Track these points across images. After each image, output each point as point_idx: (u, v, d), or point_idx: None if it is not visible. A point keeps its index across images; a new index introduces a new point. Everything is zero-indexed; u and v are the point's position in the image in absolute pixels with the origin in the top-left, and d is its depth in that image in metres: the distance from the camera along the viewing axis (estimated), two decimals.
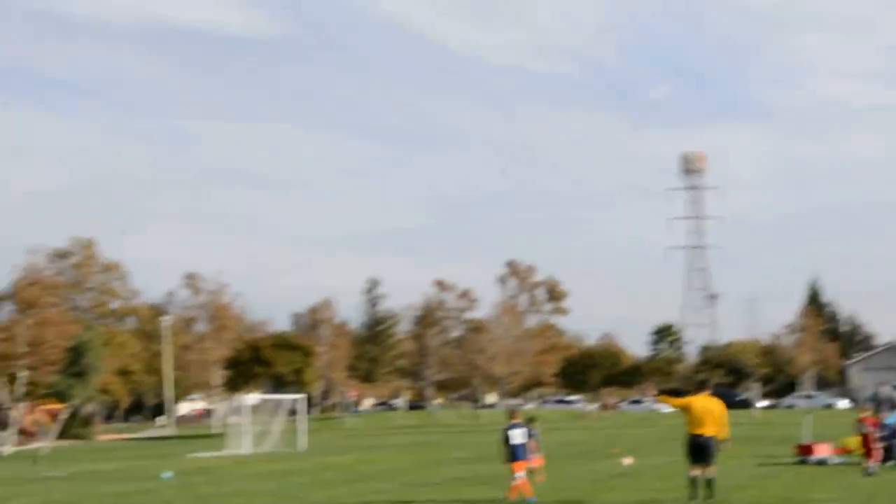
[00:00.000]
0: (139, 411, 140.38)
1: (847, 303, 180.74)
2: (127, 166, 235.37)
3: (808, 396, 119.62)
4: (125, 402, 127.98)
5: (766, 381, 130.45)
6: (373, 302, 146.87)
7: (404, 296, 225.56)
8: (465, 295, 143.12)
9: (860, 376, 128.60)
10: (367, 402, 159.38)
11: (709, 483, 23.82)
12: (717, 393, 25.89)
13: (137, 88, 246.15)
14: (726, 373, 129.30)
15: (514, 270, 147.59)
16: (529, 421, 33.03)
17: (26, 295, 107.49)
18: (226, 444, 62.91)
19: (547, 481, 31.52)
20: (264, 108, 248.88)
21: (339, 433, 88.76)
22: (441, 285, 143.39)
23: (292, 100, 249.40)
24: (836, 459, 37.32)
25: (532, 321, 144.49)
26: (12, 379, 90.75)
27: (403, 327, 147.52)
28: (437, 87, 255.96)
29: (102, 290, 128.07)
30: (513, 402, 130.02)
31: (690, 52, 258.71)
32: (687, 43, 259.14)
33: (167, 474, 41.17)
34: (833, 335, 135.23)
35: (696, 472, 23.99)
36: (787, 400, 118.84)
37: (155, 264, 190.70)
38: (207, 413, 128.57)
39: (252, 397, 69.07)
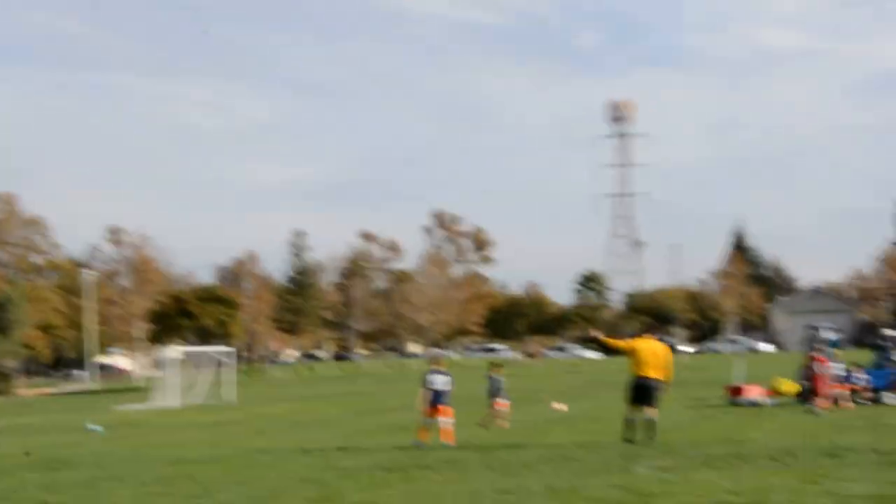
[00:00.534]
0: (61, 366, 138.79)
1: (770, 248, 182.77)
2: (48, 121, 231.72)
3: (732, 341, 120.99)
4: (47, 356, 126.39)
5: (690, 326, 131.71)
6: (298, 254, 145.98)
7: (330, 248, 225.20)
8: (390, 246, 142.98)
9: (783, 320, 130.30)
10: (291, 354, 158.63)
11: (650, 425, 23.75)
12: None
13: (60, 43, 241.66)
14: (652, 319, 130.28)
15: (440, 220, 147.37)
16: (495, 367, 33.03)
17: None
18: (151, 398, 62.20)
19: (485, 427, 31.42)
20: (187, 60, 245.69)
21: (265, 385, 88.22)
22: (366, 236, 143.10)
23: (214, 53, 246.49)
24: (767, 401, 37.68)
25: (458, 271, 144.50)
26: None
27: (328, 278, 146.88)
28: (361, 36, 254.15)
29: (24, 245, 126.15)
30: (437, 350, 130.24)
31: None
32: None
33: (94, 427, 40.54)
34: (756, 280, 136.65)
35: (635, 413, 23.92)
36: (711, 344, 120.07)
37: (78, 219, 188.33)
38: (131, 367, 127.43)
39: (177, 350, 68.29)
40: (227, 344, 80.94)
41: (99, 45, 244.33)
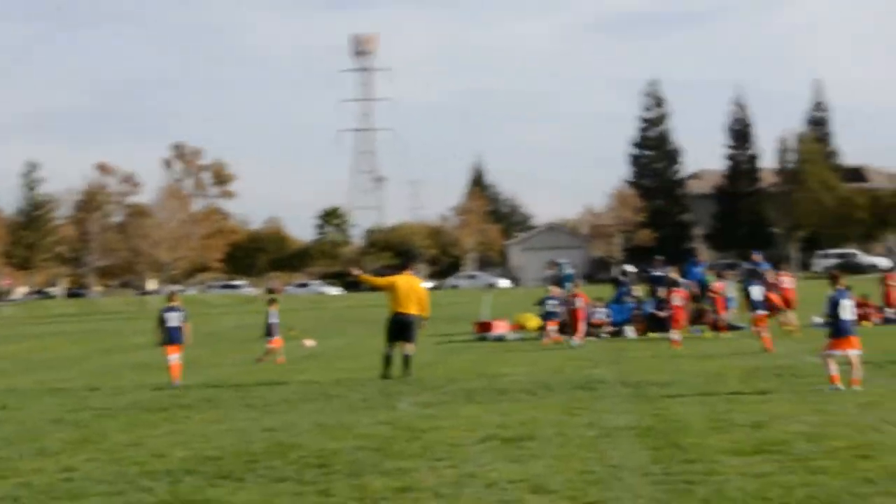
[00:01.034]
0: None
1: (507, 185, 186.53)
2: None
3: (472, 276, 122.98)
4: None
5: (431, 262, 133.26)
6: (30, 186, 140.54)
7: (65, 180, 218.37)
8: (128, 179, 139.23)
9: (519, 256, 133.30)
10: (21, 291, 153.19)
11: (406, 360, 24.01)
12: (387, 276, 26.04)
13: None
14: (394, 255, 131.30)
15: (180, 154, 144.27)
16: (270, 302, 32.60)
17: None
18: None
19: (236, 364, 31.14)
20: None
21: None
22: (103, 169, 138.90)
23: None
24: (513, 336, 38.49)
25: (198, 205, 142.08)
26: None
27: (63, 212, 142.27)
28: None
29: None
30: (175, 286, 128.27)
31: None
32: None
33: None
34: (495, 217, 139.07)
35: (393, 349, 24.13)
36: (451, 280, 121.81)
37: None
38: None
39: None
40: None
41: None
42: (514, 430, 14.85)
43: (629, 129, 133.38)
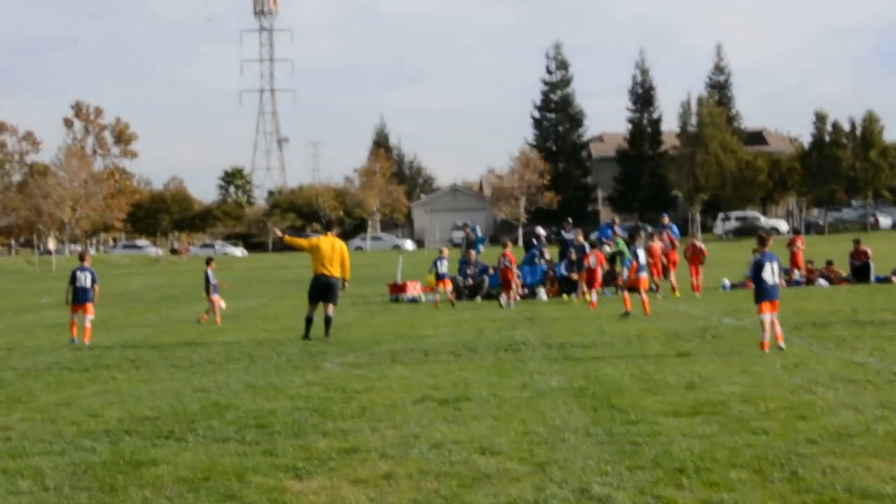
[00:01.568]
0: None
1: (410, 147, 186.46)
2: None
3: (377, 238, 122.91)
4: None
5: (337, 223, 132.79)
6: None
7: None
8: (27, 137, 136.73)
9: (423, 218, 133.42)
10: None
11: (327, 321, 24.06)
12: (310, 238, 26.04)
13: None
14: (297, 216, 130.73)
15: (81, 113, 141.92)
16: (207, 262, 32.41)
17: None
18: None
19: (151, 324, 30.86)
20: None
21: None
22: (1, 127, 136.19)
23: None
24: (425, 297, 38.68)
25: (99, 165, 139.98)
26: None
27: None
28: None
29: None
30: (77, 246, 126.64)
31: None
32: None
33: None
34: (399, 178, 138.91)
35: (315, 311, 24.17)
36: (356, 242, 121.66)
37: None
38: None
39: None
40: None
41: None
42: (447, 391, 14.94)
43: (533, 93, 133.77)
